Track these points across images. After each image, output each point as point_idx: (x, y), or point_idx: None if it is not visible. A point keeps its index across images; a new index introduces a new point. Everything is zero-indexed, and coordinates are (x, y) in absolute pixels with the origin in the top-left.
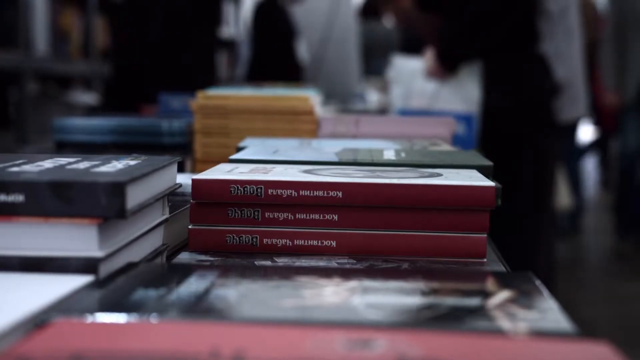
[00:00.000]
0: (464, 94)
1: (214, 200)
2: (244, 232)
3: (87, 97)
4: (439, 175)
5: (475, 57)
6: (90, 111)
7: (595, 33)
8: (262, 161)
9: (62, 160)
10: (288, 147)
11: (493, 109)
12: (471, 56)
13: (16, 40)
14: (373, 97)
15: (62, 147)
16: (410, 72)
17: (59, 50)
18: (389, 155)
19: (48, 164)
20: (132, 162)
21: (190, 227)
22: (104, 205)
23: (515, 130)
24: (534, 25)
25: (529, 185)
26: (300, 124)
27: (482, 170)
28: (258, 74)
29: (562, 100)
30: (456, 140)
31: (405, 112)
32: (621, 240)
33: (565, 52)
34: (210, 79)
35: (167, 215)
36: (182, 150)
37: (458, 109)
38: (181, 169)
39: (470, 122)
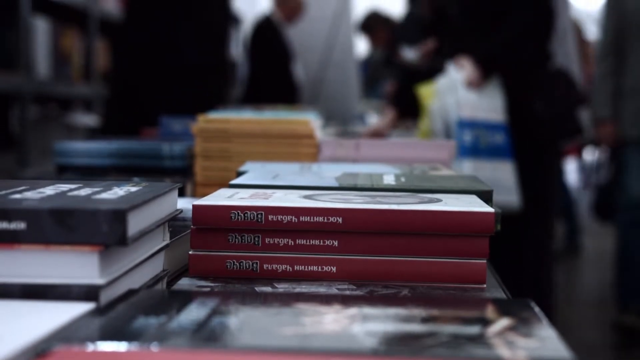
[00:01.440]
0: (495, 104)
1: (215, 226)
2: (244, 257)
3: (88, 119)
4: (439, 200)
5: (514, 68)
6: (91, 133)
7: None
8: (263, 186)
9: (64, 187)
10: (288, 172)
11: (531, 119)
12: (511, 67)
13: (17, 62)
14: (373, 119)
15: (64, 171)
16: (455, 80)
17: (60, 72)
18: (389, 180)
19: (50, 190)
20: (133, 189)
21: (190, 252)
22: (105, 232)
23: (551, 139)
24: (551, 43)
25: (553, 192)
26: (300, 147)
27: (482, 195)
28: (255, 95)
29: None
30: (495, 150)
31: (464, 124)
32: (623, 311)
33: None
34: (214, 100)
35: (167, 241)
36: (182, 174)
37: (494, 118)
38: (182, 193)
39: (507, 131)
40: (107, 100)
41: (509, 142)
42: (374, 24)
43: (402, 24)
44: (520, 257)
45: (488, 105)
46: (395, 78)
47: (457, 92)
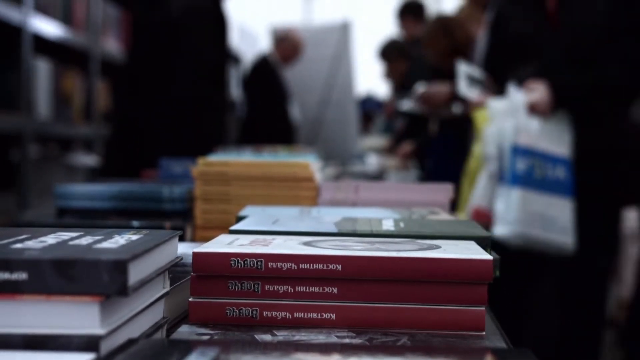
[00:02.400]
0: (562, 137)
1: (215, 273)
2: (244, 304)
3: (88, 159)
4: (437, 247)
5: (587, 113)
6: (91, 173)
7: None
8: (262, 232)
9: (65, 235)
10: (288, 217)
11: (600, 151)
12: (585, 112)
13: (18, 103)
14: (372, 159)
15: (64, 214)
16: (518, 105)
17: (61, 113)
18: (388, 225)
19: (51, 239)
20: (134, 237)
21: (190, 300)
22: (106, 282)
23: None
24: None
25: (615, 242)
26: (300, 190)
27: (480, 241)
28: (252, 134)
29: None
30: (553, 183)
31: (518, 150)
32: None
33: None
34: (214, 139)
35: (167, 289)
36: (182, 216)
37: (557, 152)
38: (182, 236)
39: (571, 167)
40: (108, 141)
41: (571, 178)
42: (394, 54)
43: (409, 69)
44: (565, 313)
45: (553, 136)
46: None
47: (517, 116)
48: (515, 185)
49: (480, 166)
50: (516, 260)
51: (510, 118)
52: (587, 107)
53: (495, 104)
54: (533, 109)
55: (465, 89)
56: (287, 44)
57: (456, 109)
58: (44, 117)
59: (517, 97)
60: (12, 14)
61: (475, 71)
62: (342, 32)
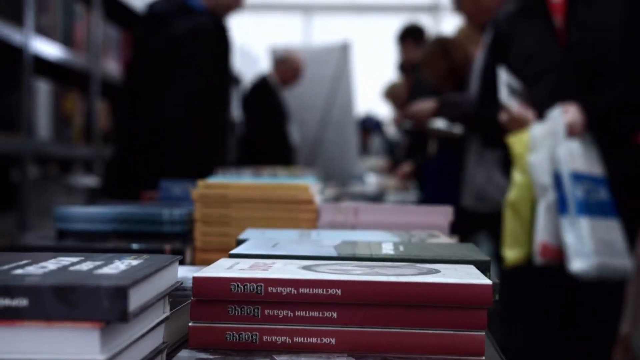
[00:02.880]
0: (594, 156)
1: (215, 297)
2: (243, 329)
3: (88, 180)
4: (437, 271)
5: (620, 131)
6: (91, 194)
7: None
8: (262, 256)
9: (65, 261)
10: (288, 240)
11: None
12: (618, 130)
13: (19, 124)
14: (372, 179)
15: (64, 236)
16: (561, 128)
17: (61, 134)
18: (388, 249)
19: (52, 264)
20: (134, 262)
21: (190, 324)
22: (106, 309)
23: None
24: None
25: None
26: (300, 213)
27: (479, 265)
28: (250, 155)
29: None
30: (602, 207)
31: (577, 177)
32: None
33: None
34: (215, 160)
35: (167, 314)
36: (182, 239)
37: (597, 173)
38: (181, 258)
39: (609, 187)
40: (108, 161)
41: (612, 198)
42: (397, 92)
43: (410, 92)
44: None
45: (587, 157)
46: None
47: (569, 142)
48: (581, 214)
49: (527, 197)
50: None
51: (559, 143)
52: (618, 125)
53: (537, 130)
54: (572, 131)
55: (507, 98)
56: (286, 66)
57: (457, 129)
58: (44, 137)
59: (560, 120)
60: (13, 35)
61: (514, 81)
62: (341, 53)
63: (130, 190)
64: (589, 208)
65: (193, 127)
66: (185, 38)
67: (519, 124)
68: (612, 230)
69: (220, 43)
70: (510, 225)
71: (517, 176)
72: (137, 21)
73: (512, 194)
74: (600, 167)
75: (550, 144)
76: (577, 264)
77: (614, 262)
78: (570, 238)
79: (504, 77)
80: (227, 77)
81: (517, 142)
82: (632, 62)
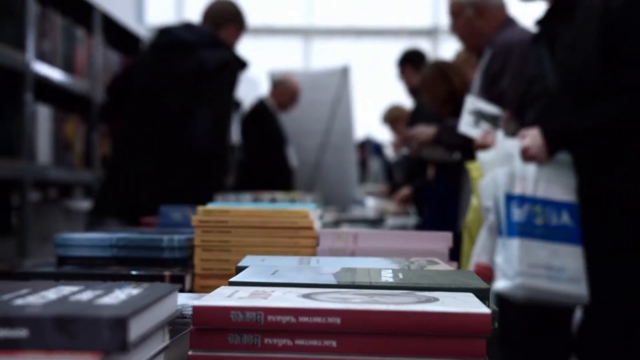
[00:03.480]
0: (564, 181)
1: (215, 326)
2: (243, 358)
3: (88, 205)
4: (436, 299)
5: (590, 154)
6: (91, 217)
7: None
8: (262, 284)
9: (66, 290)
10: (287, 268)
11: (616, 190)
12: (586, 152)
13: (19, 149)
14: (371, 203)
15: (64, 262)
16: (510, 152)
17: (61, 158)
18: (387, 276)
19: (52, 294)
20: (134, 291)
21: (190, 353)
22: (106, 339)
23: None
24: None
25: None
26: (300, 239)
27: (478, 293)
28: (249, 179)
29: None
30: (557, 231)
31: (513, 198)
32: None
33: None
34: (215, 185)
35: (167, 342)
36: (182, 265)
37: (559, 198)
38: (182, 286)
39: (576, 212)
40: (103, 182)
41: (577, 224)
42: (396, 117)
43: (411, 117)
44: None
45: (557, 181)
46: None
47: (513, 164)
48: (513, 235)
49: (478, 220)
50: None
51: (502, 167)
52: (589, 148)
53: (484, 155)
54: (526, 155)
55: (466, 126)
56: (283, 89)
57: (456, 155)
58: (44, 162)
59: (507, 145)
60: (15, 60)
61: (489, 107)
62: (341, 77)
63: (128, 214)
64: (528, 231)
65: (208, 157)
66: (217, 71)
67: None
68: (564, 254)
69: (238, 71)
70: (465, 247)
71: (473, 200)
72: (155, 46)
73: (468, 217)
74: (569, 193)
75: (498, 168)
76: (500, 284)
77: (553, 286)
78: (500, 259)
79: (470, 105)
80: (232, 104)
81: (473, 167)
82: (607, 83)
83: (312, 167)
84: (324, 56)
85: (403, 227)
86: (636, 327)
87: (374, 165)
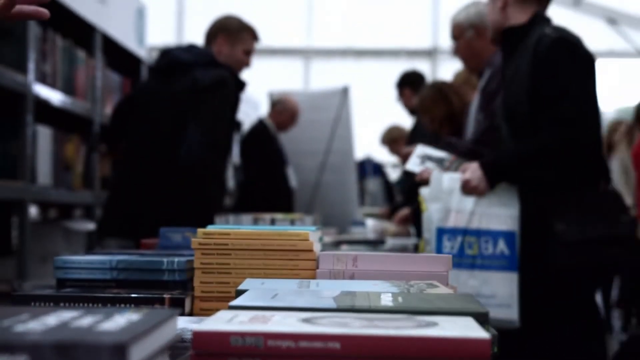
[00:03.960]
0: (504, 211)
1: (215, 351)
2: None
3: (88, 225)
4: (435, 324)
5: (528, 183)
6: (91, 238)
7: None
8: (262, 308)
9: (66, 315)
10: (287, 291)
11: (561, 246)
12: (524, 182)
13: (20, 170)
14: (371, 223)
15: (64, 285)
16: (447, 188)
17: (62, 179)
18: (387, 300)
19: (52, 319)
20: (134, 317)
21: None
22: None
23: (573, 264)
24: (603, 160)
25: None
26: (300, 261)
27: (478, 317)
28: (249, 199)
29: None
30: (490, 259)
31: (444, 231)
32: None
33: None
34: (215, 206)
35: None
36: (182, 287)
37: (497, 227)
38: (181, 307)
39: (513, 240)
40: (105, 203)
41: (514, 253)
42: (395, 137)
43: (410, 137)
44: None
45: (492, 212)
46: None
47: (447, 199)
48: None
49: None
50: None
51: (435, 203)
52: (523, 178)
53: (424, 191)
54: (467, 188)
55: (410, 165)
56: (281, 109)
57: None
58: (44, 183)
59: (443, 180)
60: (16, 82)
61: (437, 152)
62: (341, 97)
63: (130, 233)
64: (456, 262)
65: (201, 174)
66: (210, 88)
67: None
68: (497, 282)
69: (236, 91)
70: None
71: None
72: (155, 68)
73: (420, 247)
74: (508, 223)
75: (433, 202)
76: None
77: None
78: None
79: (419, 151)
80: (232, 128)
81: (422, 201)
82: (531, 120)
83: (312, 188)
84: (324, 76)
85: (403, 248)
86: (567, 349)
87: (374, 185)
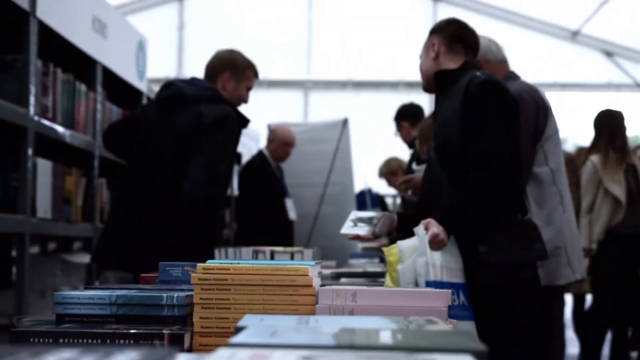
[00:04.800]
0: (456, 265)
1: None
2: None
3: (87, 258)
4: None
5: (476, 223)
6: (90, 271)
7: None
8: (261, 345)
9: (65, 355)
10: (286, 328)
11: (483, 266)
12: (474, 222)
13: (20, 203)
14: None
15: (63, 320)
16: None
17: (61, 213)
18: (385, 337)
19: (51, 359)
20: (134, 356)
21: None
22: None
23: (507, 287)
24: (523, 194)
25: (521, 342)
26: (299, 297)
27: (477, 355)
28: (248, 231)
29: (556, 264)
30: (460, 310)
31: (429, 284)
32: None
33: (555, 218)
34: (214, 239)
35: None
36: (182, 322)
37: (457, 280)
38: (181, 345)
39: (466, 291)
40: (101, 235)
41: (469, 301)
42: (394, 169)
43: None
44: None
45: (450, 266)
46: None
47: (427, 255)
48: None
49: None
50: None
51: (421, 257)
52: (467, 225)
53: (404, 243)
54: (435, 242)
55: (346, 229)
56: (272, 138)
57: None
58: (44, 216)
59: (422, 235)
60: (17, 116)
61: (367, 213)
62: (341, 129)
63: (126, 266)
64: None
65: (201, 210)
66: (215, 124)
67: None
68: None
69: (238, 132)
70: None
71: (387, 281)
72: (157, 100)
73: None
74: (462, 275)
75: (414, 257)
76: None
77: None
78: None
79: (352, 216)
80: (233, 163)
81: (388, 253)
82: (461, 157)
83: (312, 219)
84: (323, 108)
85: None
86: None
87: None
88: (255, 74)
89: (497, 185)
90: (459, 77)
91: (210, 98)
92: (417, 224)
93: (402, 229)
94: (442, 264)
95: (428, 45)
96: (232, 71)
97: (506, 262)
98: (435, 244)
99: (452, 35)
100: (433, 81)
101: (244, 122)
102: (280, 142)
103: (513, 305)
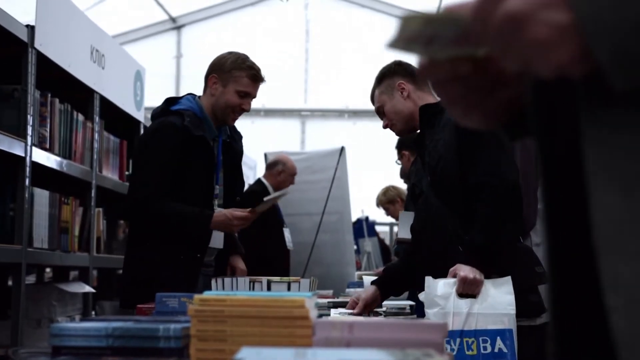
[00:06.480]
0: (499, 312)
1: None
2: None
3: (83, 287)
4: None
5: (502, 250)
6: (87, 300)
7: None
8: None
9: None
10: None
11: None
12: (500, 250)
13: (18, 234)
14: (368, 283)
15: (59, 353)
16: (443, 293)
17: (58, 242)
18: None
19: None
20: None
21: None
22: None
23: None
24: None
25: None
26: (296, 329)
27: None
28: (245, 260)
29: None
30: (496, 357)
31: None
32: None
33: None
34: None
35: None
36: (178, 355)
37: (493, 327)
38: None
39: (510, 338)
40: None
41: (512, 349)
42: (392, 197)
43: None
44: None
45: (487, 314)
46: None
47: (445, 303)
48: None
49: None
50: None
51: (434, 307)
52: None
53: (433, 284)
54: (466, 284)
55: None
56: (281, 170)
57: None
58: (41, 246)
59: (437, 286)
60: (14, 146)
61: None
62: (338, 158)
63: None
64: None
65: (128, 219)
66: (142, 139)
67: None
68: None
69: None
70: None
71: None
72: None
73: None
74: (504, 321)
75: (429, 308)
76: None
77: None
78: None
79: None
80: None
81: None
82: (458, 180)
83: (308, 248)
84: (320, 137)
85: (401, 309)
86: None
87: (369, 246)
88: (249, 75)
89: (502, 196)
90: (443, 110)
91: (157, 115)
92: (403, 280)
93: (385, 295)
94: (471, 310)
95: (392, 88)
96: (218, 74)
97: (516, 288)
98: (469, 285)
99: (412, 73)
100: (415, 119)
101: (190, 130)
102: (290, 173)
103: (521, 333)
